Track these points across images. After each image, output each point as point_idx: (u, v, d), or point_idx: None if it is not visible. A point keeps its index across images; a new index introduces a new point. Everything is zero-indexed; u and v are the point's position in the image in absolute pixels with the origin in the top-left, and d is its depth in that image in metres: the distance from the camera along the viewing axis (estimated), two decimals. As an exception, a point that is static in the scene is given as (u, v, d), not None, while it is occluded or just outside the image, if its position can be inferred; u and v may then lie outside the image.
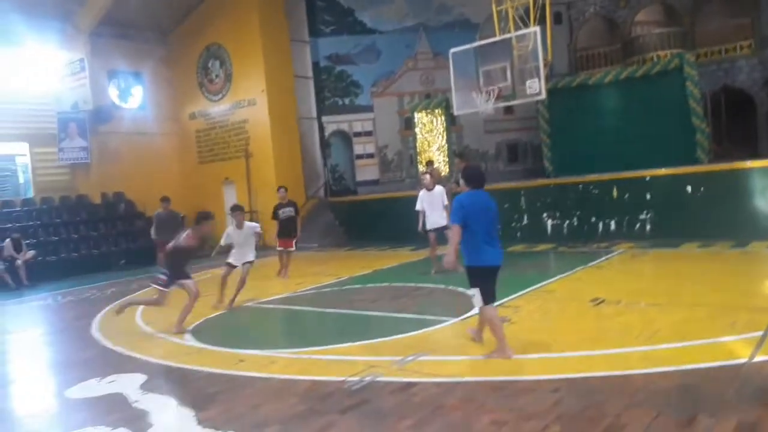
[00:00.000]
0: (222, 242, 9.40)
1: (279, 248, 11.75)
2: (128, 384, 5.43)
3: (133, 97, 19.77)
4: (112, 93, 19.24)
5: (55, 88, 17.81)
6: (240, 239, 9.13)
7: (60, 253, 15.66)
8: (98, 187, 18.15)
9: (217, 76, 19.72)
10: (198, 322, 8.03)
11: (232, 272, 9.23)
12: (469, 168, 5.80)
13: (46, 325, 9.78)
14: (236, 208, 9.37)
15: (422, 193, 10.44)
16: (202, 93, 20.20)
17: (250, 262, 9.15)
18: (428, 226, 10.38)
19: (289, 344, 6.73)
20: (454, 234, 5.33)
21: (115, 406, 4.88)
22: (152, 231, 11.53)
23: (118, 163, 18.46)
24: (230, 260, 9.29)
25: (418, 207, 10.47)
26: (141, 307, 9.65)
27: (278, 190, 12.02)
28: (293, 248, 11.75)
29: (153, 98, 20.17)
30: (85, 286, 13.09)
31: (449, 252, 5.48)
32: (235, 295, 9.00)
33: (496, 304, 5.55)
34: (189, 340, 7.09)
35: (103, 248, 16.47)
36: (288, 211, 11.75)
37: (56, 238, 15.97)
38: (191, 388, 5.28)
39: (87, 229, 16.78)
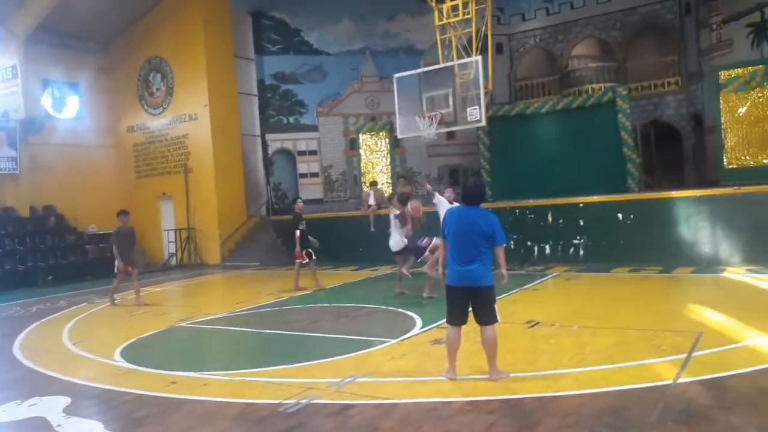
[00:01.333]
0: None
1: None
2: (51, 407, 5.17)
3: (69, 108, 19.04)
4: (46, 102, 18.48)
5: (-17, 95, 16.98)
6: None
7: (-19, 267, 14.79)
8: (27, 200, 17.31)
9: (158, 89, 19.29)
10: (129, 341, 7.73)
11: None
12: (465, 185, 5.71)
13: (-38, 344, 9.18)
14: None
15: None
16: (141, 106, 19.70)
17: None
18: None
19: (224, 366, 6.56)
20: (441, 249, 5.50)
21: (37, 431, 4.62)
22: (114, 249, 10.63)
23: (49, 175, 17.66)
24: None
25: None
26: (68, 326, 9.24)
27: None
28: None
29: (90, 109, 19.50)
30: (9, 302, 12.39)
31: (439, 263, 5.61)
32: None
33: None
34: (119, 361, 6.81)
35: (30, 263, 15.66)
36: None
37: (-22, 252, 15.09)
38: (118, 412, 5.07)
39: (13, 243, 15.93)
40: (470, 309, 5.25)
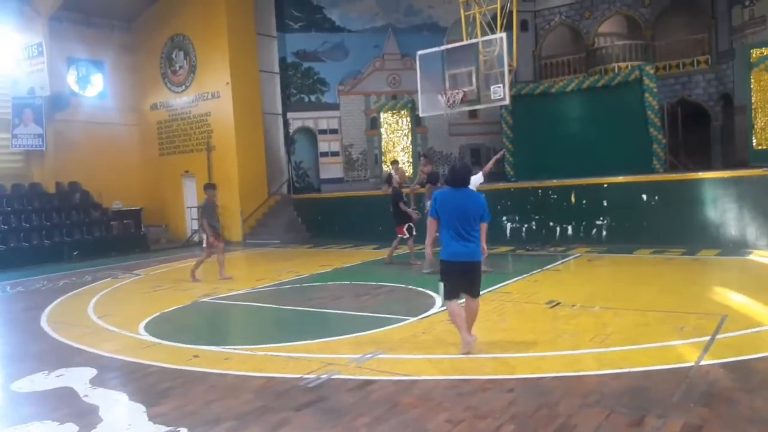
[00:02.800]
0: None
1: None
2: (77, 378, 5.29)
3: (93, 85, 19.24)
4: (71, 80, 18.69)
5: (10, 72, 17.19)
6: None
7: (10, 242, 15.12)
8: (53, 176, 17.59)
9: (180, 67, 19.35)
10: (153, 316, 7.87)
11: None
12: (453, 167, 5.76)
13: (-8, 316, 9.44)
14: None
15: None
16: (164, 84, 19.80)
17: None
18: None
19: (246, 341, 6.65)
20: (429, 226, 5.68)
21: (64, 401, 4.74)
22: (205, 223, 10.52)
23: (74, 152, 17.91)
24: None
25: None
26: (93, 300, 9.43)
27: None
28: None
29: (114, 87, 19.67)
30: (36, 276, 12.68)
31: (426, 243, 5.85)
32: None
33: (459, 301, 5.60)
34: (143, 334, 6.94)
35: (56, 239, 15.96)
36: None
37: (6, 227, 15.41)
38: (143, 383, 5.17)
39: (39, 219, 16.24)
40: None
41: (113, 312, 8.47)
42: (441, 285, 5.61)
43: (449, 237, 5.45)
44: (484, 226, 5.59)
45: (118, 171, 18.87)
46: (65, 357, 6.14)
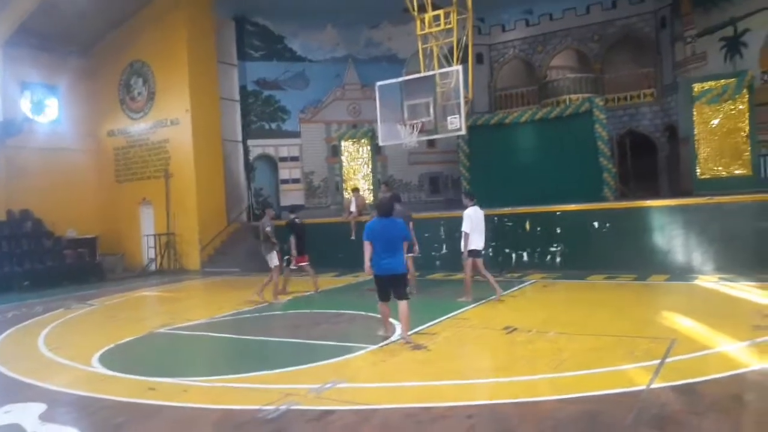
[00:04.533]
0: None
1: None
2: (26, 414, 5.13)
3: (48, 111, 18.83)
4: (25, 105, 18.26)
5: (-40, 97, 16.72)
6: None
7: (-45, 272, 14.52)
8: (4, 204, 17.02)
9: (139, 93, 19.16)
10: (107, 348, 7.67)
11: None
12: (379, 201, 7.53)
13: (-66, 350, 9.01)
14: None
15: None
16: (123, 110, 19.55)
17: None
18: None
19: (204, 372, 6.56)
20: (365, 249, 7.03)
21: (12, 438, 4.59)
22: (291, 241, 11.18)
23: (27, 178, 17.40)
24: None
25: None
26: (44, 332, 9.14)
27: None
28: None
29: (70, 113, 19.29)
30: (-18, 308, 12.18)
31: (365, 260, 7.05)
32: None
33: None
34: (96, 367, 6.76)
35: (6, 269, 15.39)
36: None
37: (-49, 257, 14.81)
38: (96, 418, 5.05)
39: (-12, 248, 15.66)
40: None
41: (65, 344, 8.22)
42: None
43: (377, 257, 6.96)
44: (405, 244, 7.27)
45: (73, 198, 18.41)
46: (13, 392, 5.94)
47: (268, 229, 11.04)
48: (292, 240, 11.40)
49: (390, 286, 7.07)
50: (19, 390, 6.02)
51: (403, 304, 7.01)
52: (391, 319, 7.38)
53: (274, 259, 10.94)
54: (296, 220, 11.75)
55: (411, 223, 10.09)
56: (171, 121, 18.44)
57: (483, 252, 9.83)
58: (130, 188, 19.31)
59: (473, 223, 9.52)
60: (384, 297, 7.14)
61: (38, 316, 10.79)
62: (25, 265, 15.84)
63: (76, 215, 18.23)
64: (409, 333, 7.07)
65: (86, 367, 6.80)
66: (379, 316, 7.47)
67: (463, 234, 9.49)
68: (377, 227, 7.04)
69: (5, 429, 4.82)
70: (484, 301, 9.69)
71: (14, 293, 14.41)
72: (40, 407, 5.30)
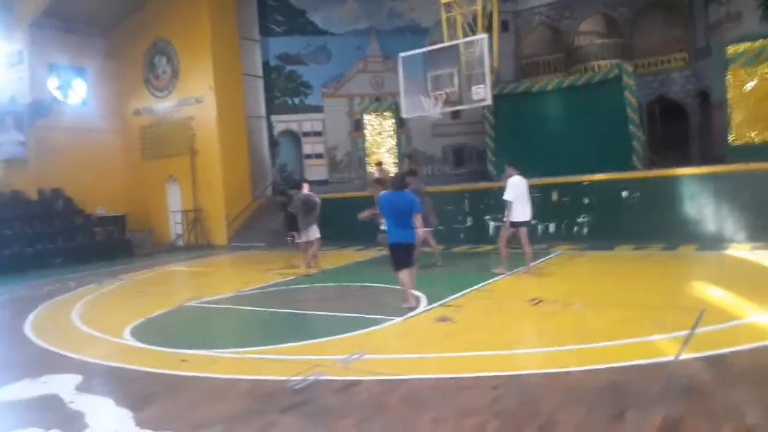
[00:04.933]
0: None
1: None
2: (63, 384, 5.28)
3: (75, 92, 19.09)
4: (52, 87, 18.52)
5: (-10, 80, 17.04)
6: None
7: (-9, 250, 14.95)
8: (35, 183, 17.42)
9: (163, 72, 19.26)
10: (138, 321, 7.86)
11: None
12: (393, 178, 8.40)
13: (-25, 325, 9.35)
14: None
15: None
16: (147, 89, 19.70)
17: None
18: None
19: (232, 344, 6.68)
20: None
21: (49, 408, 4.74)
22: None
23: (57, 158, 17.74)
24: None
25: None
26: (77, 306, 9.39)
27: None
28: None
29: (96, 93, 19.53)
30: (19, 284, 12.56)
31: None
32: None
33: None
34: (128, 339, 6.94)
35: (39, 246, 15.81)
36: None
37: (-13, 235, 15.24)
38: (129, 389, 5.18)
39: (22, 226, 16.07)
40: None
41: (98, 318, 8.44)
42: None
43: (390, 226, 7.51)
44: (416, 216, 7.39)
45: (101, 177, 18.74)
46: (50, 364, 6.12)
47: (317, 199, 10.97)
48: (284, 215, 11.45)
49: (399, 254, 7.51)
50: (55, 362, 6.21)
51: (413, 270, 7.63)
52: (414, 291, 7.62)
53: (316, 231, 10.87)
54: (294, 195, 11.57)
55: (426, 198, 10.00)
56: (195, 99, 18.54)
57: (529, 222, 9.65)
58: (157, 166, 19.55)
59: (517, 192, 9.32)
60: (399, 265, 7.49)
61: (71, 291, 11.08)
62: (57, 242, 16.23)
63: (105, 193, 18.57)
64: (435, 305, 7.34)
65: (119, 339, 6.97)
66: (401, 287, 7.60)
67: (506, 203, 9.33)
68: (389, 200, 7.56)
69: (43, 399, 4.98)
70: (509, 273, 9.65)
71: (48, 270, 14.81)
72: (76, 378, 5.45)
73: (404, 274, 7.45)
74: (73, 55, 18.79)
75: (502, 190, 14.03)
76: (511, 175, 9.46)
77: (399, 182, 7.79)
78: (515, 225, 9.41)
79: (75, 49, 18.78)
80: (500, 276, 9.34)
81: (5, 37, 16.98)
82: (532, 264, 9.56)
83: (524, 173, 9.60)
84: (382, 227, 10.71)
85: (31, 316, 8.80)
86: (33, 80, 17.20)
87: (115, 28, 19.97)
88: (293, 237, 11.68)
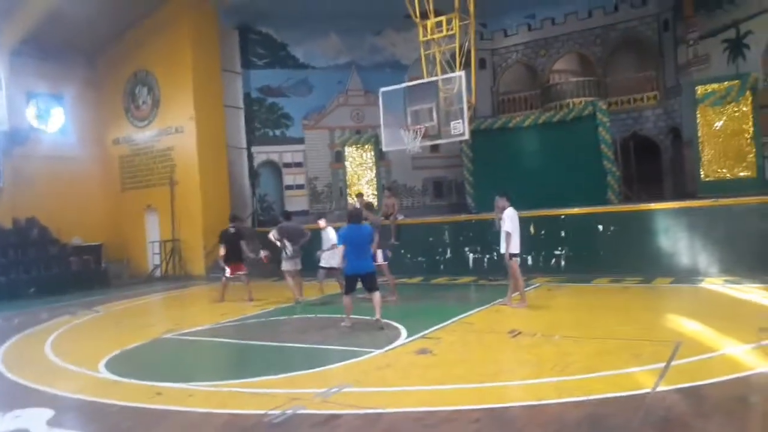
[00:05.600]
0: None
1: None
2: (34, 419, 5.15)
3: (54, 120, 18.95)
4: (30, 114, 18.37)
5: (-34, 107, 16.86)
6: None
7: (-38, 280, 14.59)
8: (10, 212, 17.10)
9: (144, 102, 19.27)
10: (113, 353, 7.71)
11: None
12: (349, 211, 9.34)
13: (-58, 358, 9.06)
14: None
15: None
16: (127, 118, 19.66)
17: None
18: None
19: (209, 377, 6.57)
20: (339, 251, 8.60)
21: (20, 443, 4.62)
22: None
23: (33, 187, 17.47)
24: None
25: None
26: (50, 338, 9.18)
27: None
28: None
29: (75, 122, 19.40)
30: (-11, 316, 12.24)
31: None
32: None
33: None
34: (103, 372, 6.80)
35: (12, 275, 15.47)
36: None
37: (-42, 265, 14.89)
38: (103, 423, 5.08)
39: (-6, 256, 15.74)
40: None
41: (72, 350, 8.26)
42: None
43: (351, 258, 8.30)
44: (373, 245, 8.74)
45: (79, 206, 18.49)
46: (21, 398, 5.97)
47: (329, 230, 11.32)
48: (223, 249, 11.88)
49: (361, 282, 8.42)
50: (26, 395, 6.05)
51: (376, 294, 8.35)
52: (353, 315, 8.60)
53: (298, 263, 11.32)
54: (230, 229, 12.17)
55: (377, 231, 9.96)
56: (176, 129, 18.53)
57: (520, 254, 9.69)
58: (135, 195, 19.39)
59: (515, 224, 9.35)
60: (349, 291, 8.50)
61: (44, 323, 10.84)
62: (32, 272, 15.90)
63: (82, 222, 18.31)
64: (414, 337, 7.35)
65: (93, 372, 6.83)
66: (376, 317, 8.35)
67: (504, 234, 9.25)
68: (353, 233, 8.33)
69: (13, 434, 4.85)
70: (488, 305, 9.69)
71: (21, 300, 14.46)
72: (48, 413, 5.32)
73: (348, 299, 8.47)
74: (52, 83, 18.70)
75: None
76: (504, 207, 9.45)
77: (357, 216, 8.53)
78: (515, 256, 9.41)
79: (54, 77, 18.71)
80: (481, 307, 9.36)
81: (-18, 64, 16.90)
82: (511, 299, 9.60)
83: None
84: (322, 263, 11.28)
85: (1, 349, 8.58)
86: (11, 108, 17.06)
87: (96, 57, 19.98)
88: (227, 270, 12.01)
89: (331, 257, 10.72)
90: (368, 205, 11.54)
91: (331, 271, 11.22)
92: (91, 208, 19.00)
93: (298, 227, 11.41)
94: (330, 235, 11.16)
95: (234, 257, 11.94)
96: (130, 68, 19.46)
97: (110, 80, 19.85)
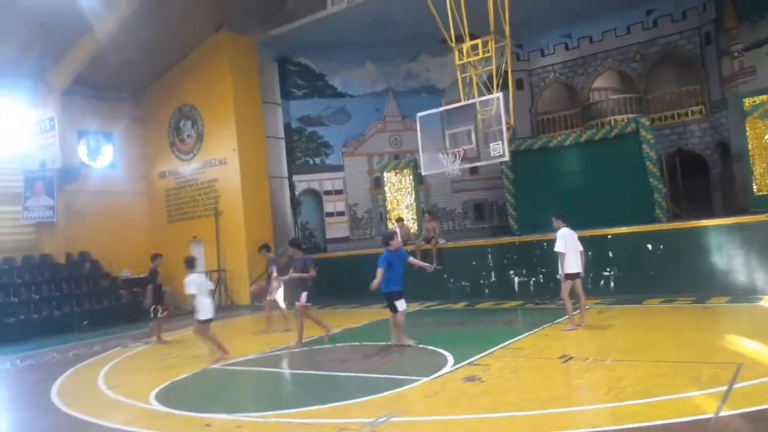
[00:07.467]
0: None
1: None
2: (90, 451, 5.25)
3: (103, 156, 19.69)
4: (82, 151, 19.15)
5: (23, 147, 17.70)
6: None
7: (20, 314, 15.12)
8: (63, 247, 17.77)
9: (188, 135, 19.86)
10: (164, 385, 7.82)
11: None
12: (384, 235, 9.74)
13: (2, 390, 9.38)
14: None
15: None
16: (173, 152, 20.26)
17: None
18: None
19: (257, 408, 6.59)
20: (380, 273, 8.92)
21: (76, 475, 4.70)
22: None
23: (84, 222, 18.16)
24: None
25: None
26: (103, 370, 9.40)
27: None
28: None
29: (123, 157, 20.12)
30: (46, 348, 12.64)
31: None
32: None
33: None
34: (154, 404, 6.90)
35: (66, 309, 15.97)
36: None
37: (16, 299, 15.45)
38: (156, 455, 5.13)
39: (50, 290, 16.30)
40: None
41: (124, 382, 8.43)
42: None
43: (394, 279, 9.04)
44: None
45: (127, 239, 19.06)
46: (75, 430, 6.10)
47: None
48: (150, 289, 12.02)
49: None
50: (80, 428, 6.19)
51: (400, 315, 8.99)
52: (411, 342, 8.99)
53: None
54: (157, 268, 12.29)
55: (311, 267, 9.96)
56: (219, 161, 19.01)
57: (582, 275, 9.48)
58: (181, 227, 19.85)
59: (568, 243, 9.25)
60: (392, 310, 9.07)
61: (97, 355, 11.12)
62: (84, 305, 16.39)
63: (131, 255, 18.82)
64: (462, 364, 7.24)
65: (144, 404, 6.94)
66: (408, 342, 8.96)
67: (558, 255, 9.25)
68: (396, 257, 9.10)
69: (69, 467, 4.94)
70: (537, 329, 9.49)
71: (74, 333, 14.90)
72: (102, 445, 5.42)
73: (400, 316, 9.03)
74: (101, 121, 19.49)
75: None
76: (559, 227, 9.45)
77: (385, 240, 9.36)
78: (570, 277, 9.28)
79: (103, 115, 19.50)
80: (569, 330, 9.15)
81: (37, 105, 17.74)
82: (573, 324, 9.32)
83: (569, 225, 9.54)
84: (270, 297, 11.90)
85: (57, 381, 8.82)
86: (63, 146, 17.81)
87: (142, 94, 20.76)
88: (158, 310, 12.09)
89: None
90: (292, 242, 11.17)
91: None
92: (138, 241, 19.54)
93: (296, 258, 10.44)
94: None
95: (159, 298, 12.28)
96: (175, 103, 20.12)
97: (156, 115, 20.56)
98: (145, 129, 20.75)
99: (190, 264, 9.46)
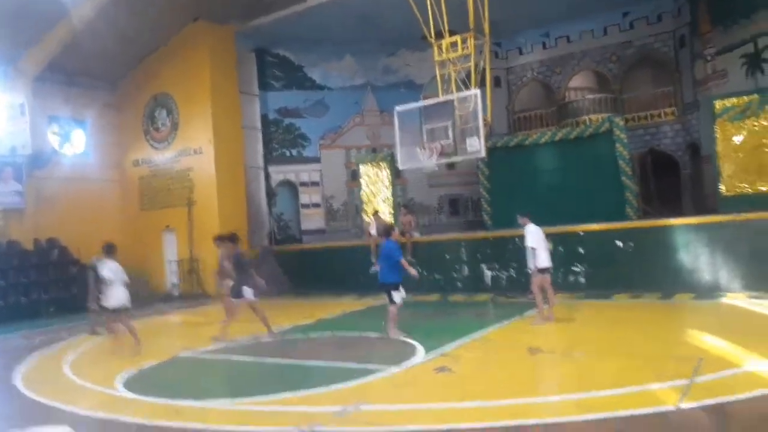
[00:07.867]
0: None
1: None
2: (53, 436, 5.19)
3: (75, 143, 19.29)
4: (53, 138, 18.74)
5: (-9, 132, 17.26)
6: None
7: (-14, 301, 14.81)
8: (32, 233, 17.38)
9: (163, 124, 19.58)
10: (131, 371, 7.74)
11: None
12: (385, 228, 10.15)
13: (-36, 376, 9.18)
14: None
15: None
16: (147, 140, 19.96)
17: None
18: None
19: (227, 395, 6.57)
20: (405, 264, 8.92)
21: (39, 460, 4.64)
22: None
23: (54, 208, 17.77)
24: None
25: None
26: (69, 356, 9.26)
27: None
28: None
29: (96, 144, 19.73)
30: (12, 334, 12.40)
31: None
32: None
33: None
34: (121, 390, 6.82)
35: (34, 296, 15.68)
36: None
37: (-19, 286, 15.13)
38: (122, 440, 5.09)
39: (17, 276, 15.96)
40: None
41: (90, 369, 8.32)
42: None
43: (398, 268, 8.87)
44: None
45: (98, 226, 18.67)
46: (40, 415, 6.02)
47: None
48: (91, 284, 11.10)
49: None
50: (45, 413, 6.10)
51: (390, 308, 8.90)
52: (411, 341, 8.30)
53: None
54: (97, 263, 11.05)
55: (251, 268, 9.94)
56: (194, 150, 18.78)
57: (551, 269, 9.61)
58: (154, 216, 19.60)
59: (538, 238, 9.43)
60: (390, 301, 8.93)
61: (64, 341, 10.96)
62: (52, 292, 16.10)
63: (102, 243, 18.49)
64: (433, 355, 7.28)
65: (111, 390, 6.86)
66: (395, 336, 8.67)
67: (528, 250, 9.41)
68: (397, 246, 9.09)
69: (32, 452, 4.88)
70: (507, 322, 9.60)
71: (41, 319, 14.64)
72: (66, 430, 5.35)
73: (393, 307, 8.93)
74: (73, 107, 19.07)
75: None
76: (525, 224, 9.63)
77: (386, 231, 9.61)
78: (542, 271, 9.44)
79: (76, 102, 19.08)
80: (538, 324, 9.26)
81: (8, 90, 17.29)
82: (542, 318, 9.45)
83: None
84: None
85: (21, 367, 8.66)
86: (33, 131, 17.40)
87: (117, 82, 20.38)
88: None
89: None
90: (230, 237, 10.68)
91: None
92: (110, 229, 19.17)
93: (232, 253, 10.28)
94: None
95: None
96: (150, 91, 19.81)
97: (130, 103, 20.22)
98: (120, 116, 20.39)
99: (108, 251, 9.37)
